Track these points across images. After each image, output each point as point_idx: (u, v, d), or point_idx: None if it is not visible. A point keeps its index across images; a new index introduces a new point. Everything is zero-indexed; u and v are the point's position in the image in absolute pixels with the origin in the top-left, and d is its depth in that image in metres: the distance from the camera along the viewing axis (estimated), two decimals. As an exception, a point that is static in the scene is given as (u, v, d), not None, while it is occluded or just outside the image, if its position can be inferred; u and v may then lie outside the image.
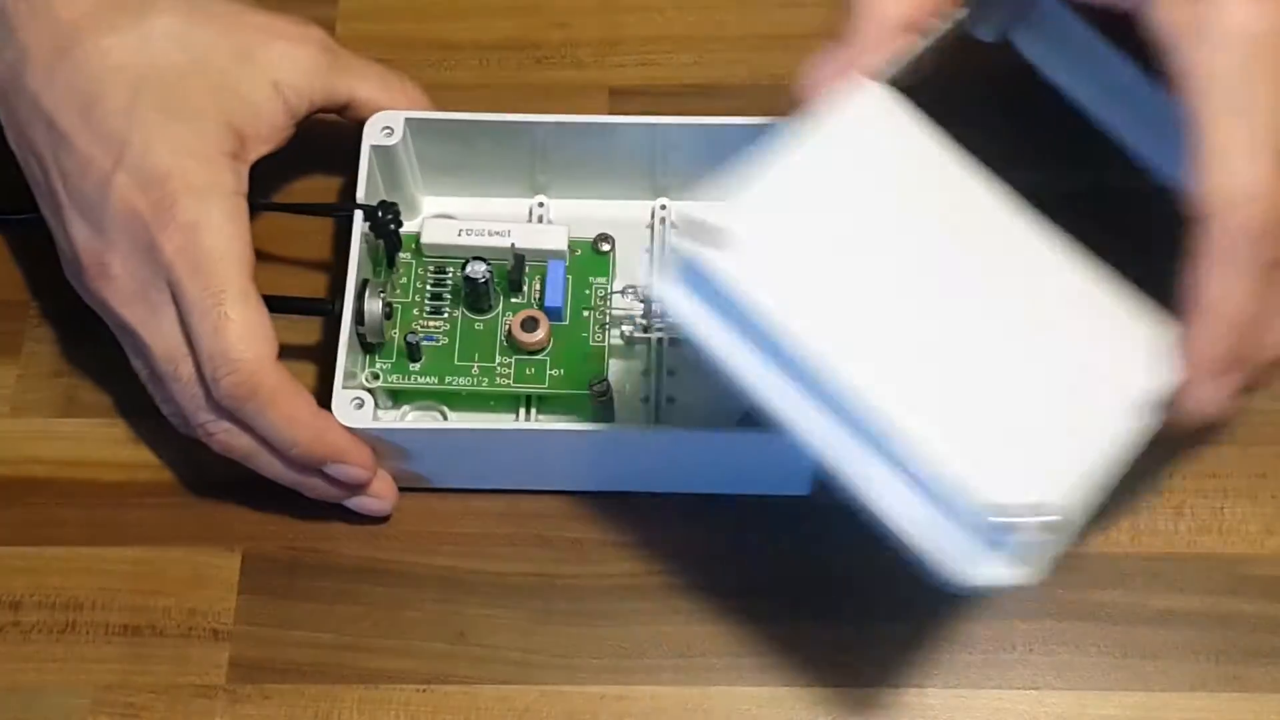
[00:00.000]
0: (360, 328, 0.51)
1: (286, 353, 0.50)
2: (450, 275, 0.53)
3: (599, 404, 0.52)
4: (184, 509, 0.53)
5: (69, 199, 0.49)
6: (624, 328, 0.53)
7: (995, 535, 0.40)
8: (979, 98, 0.51)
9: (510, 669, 0.51)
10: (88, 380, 0.55)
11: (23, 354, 0.56)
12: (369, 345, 0.52)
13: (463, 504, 0.53)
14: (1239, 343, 0.43)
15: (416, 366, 0.52)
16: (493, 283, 0.52)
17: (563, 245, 0.53)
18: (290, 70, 0.51)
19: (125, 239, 0.49)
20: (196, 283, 0.48)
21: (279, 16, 0.52)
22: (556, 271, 0.53)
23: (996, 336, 0.43)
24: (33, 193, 0.52)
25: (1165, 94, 0.45)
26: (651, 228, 0.56)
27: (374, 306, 0.51)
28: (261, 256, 0.50)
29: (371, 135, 0.53)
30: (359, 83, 0.53)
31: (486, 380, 0.52)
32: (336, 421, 0.49)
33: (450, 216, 0.55)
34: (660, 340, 0.53)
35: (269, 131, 0.51)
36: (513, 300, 0.53)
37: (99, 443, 0.54)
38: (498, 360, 0.52)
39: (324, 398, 0.50)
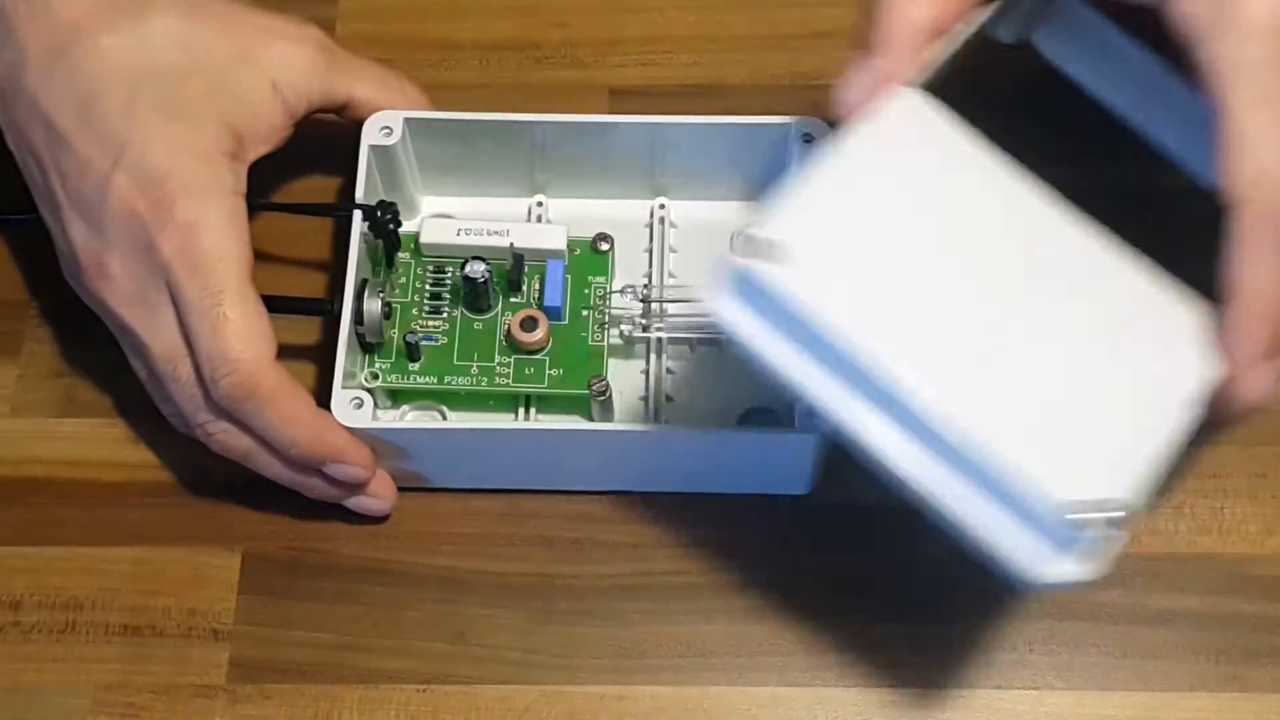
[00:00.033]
0: (359, 327, 0.51)
1: (285, 353, 0.50)
2: (449, 275, 0.53)
3: (598, 403, 0.52)
4: (184, 509, 0.54)
5: (67, 199, 0.49)
6: (623, 327, 0.53)
7: (1066, 533, 0.41)
8: (996, 99, 0.51)
9: (510, 669, 0.51)
10: (88, 380, 0.55)
11: (23, 354, 0.56)
12: (368, 345, 0.52)
13: (463, 504, 0.53)
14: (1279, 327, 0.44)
15: (416, 366, 0.52)
16: (492, 282, 0.52)
17: (562, 245, 0.53)
18: (289, 70, 0.51)
19: (124, 239, 0.49)
20: (195, 283, 0.48)
21: (278, 16, 0.52)
22: (555, 271, 0.53)
23: (1050, 334, 0.44)
24: (31, 193, 0.52)
25: (1189, 87, 0.45)
26: (650, 227, 0.56)
27: (373, 306, 0.51)
28: (260, 256, 0.50)
29: (370, 135, 0.53)
30: (358, 83, 0.53)
31: (486, 380, 0.52)
32: (335, 421, 0.49)
33: (449, 216, 0.55)
34: (659, 339, 0.53)
35: (267, 132, 0.51)
36: (512, 300, 0.53)
37: (99, 443, 0.55)
38: (497, 360, 0.52)
39: (323, 398, 0.50)
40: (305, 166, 0.58)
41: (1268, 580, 0.52)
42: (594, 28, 0.62)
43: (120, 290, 0.49)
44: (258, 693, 0.51)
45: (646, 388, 0.53)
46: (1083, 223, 0.46)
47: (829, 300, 0.42)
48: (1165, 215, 0.49)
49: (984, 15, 0.49)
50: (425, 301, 0.53)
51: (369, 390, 0.50)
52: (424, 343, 0.52)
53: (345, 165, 0.54)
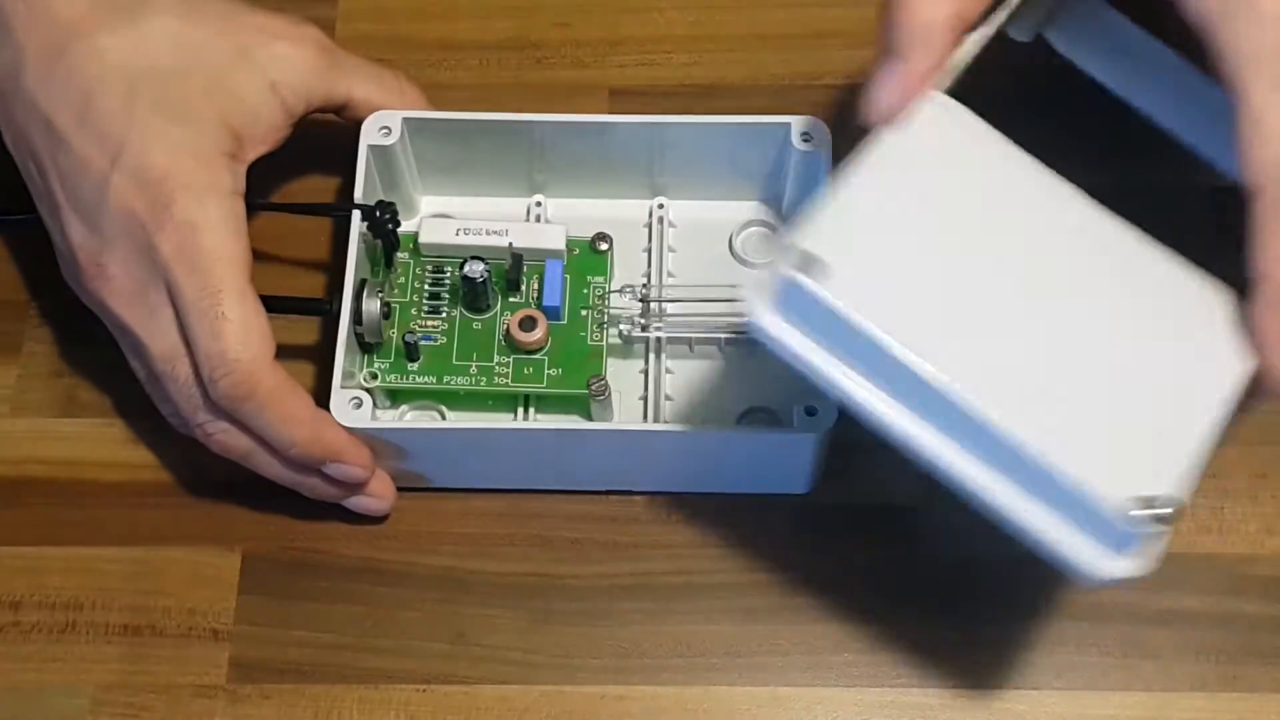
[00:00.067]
0: (358, 327, 0.51)
1: (284, 353, 0.50)
2: (448, 275, 0.53)
3: (597, 403, 0.52)
4: (184, 509, 0.54)
5: (66, 200, 0.49)
6: (622, 327, 0.53)
7: (1124, 533, 0.41)
8: (1002, 97, 0.51)
9: (510, 669, 0.51)
10: (88, 380, 0.55)
11: (23, 354, 0.56)
12: (367, 345, 0.52)
13: (462, 504, 0.53)
14: None
15: (415, 366, 0.52)
16: (491, 282, 0.52)
17: (560, 244, 0.53)
18: (287, 70, 0.51)
19: (123, 239, 0.49)
20: (194, 283, 0.48)
21: (276, 17, 0.52)
22: (554, 271, 0.53)
23: (1090, 332, 0.44)
24: (30, 194, 0.52)
25: (1205, 78, 0.45)
26: (649, 227, 0.56)
27: (372, 306, 0.51)
28: (259, 256, 0.50)
29: (369, 135, 0.53)
30: (356, 83, 0.53)
31: (485, 380, 0.52)
32: (334, 421, 0.49)
33: (448, 216, 0.55)
34: (658, 339, 0.53)
35: (266, 132, 0.51)
36: (511, 299, 0.53)
37: (99, 443, 0.55)
38: (496, 360, 0.52)
39: (322, 397, 0.50)
40: (304, 166, 0.58)
41: (1268, 580, 0.52)
42: (594, 28, 0.62)
43: (119, 290, 0.49)
44: (258, 693, 0.51)
45: (645, 387, 0.53)
46: (1114, 220, 0.46)
47: (874, 310, 0.42)
48: (1167, 214, 0.49)
49: (1002, 16, 0.49)
50: (424, 301, 0.53)
51: (368, 390, 0.51)
52: (423, 342, 0.52)
53: (344, 165, 0.54)
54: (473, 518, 0.53)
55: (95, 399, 0.55)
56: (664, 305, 0.53)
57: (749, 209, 0.56)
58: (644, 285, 0.53)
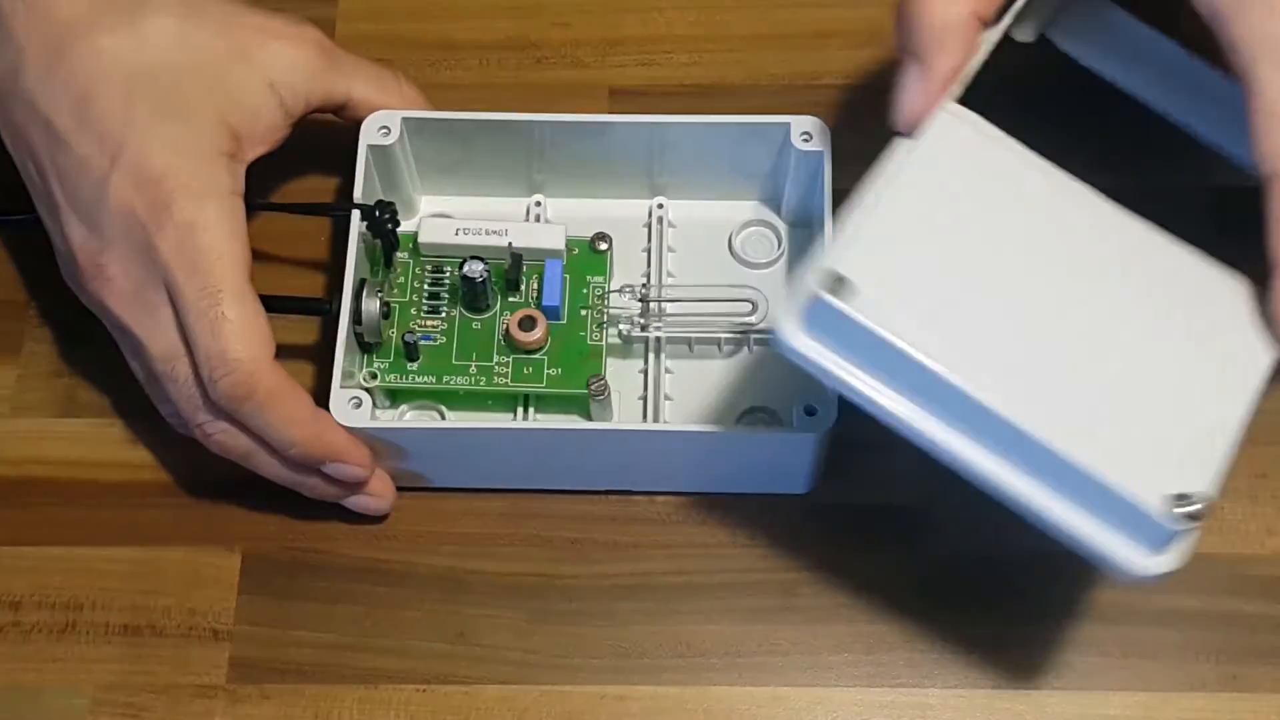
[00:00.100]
0: (358, 327, 0.51)
1: (284, 352, 0.50)
2: (448, 274, 0.53)
3: (597, 403, 0.52)
4: (184, 509, 0.54)
5: (66, 200, 0.49)
6: (621, 326, 0.53)
7: (1162, 531, 0.42)
8: (1006, 99, 0.52)
9: (510, 669, 0.51)
10: (88, 380, 0.55)
11: (23, 354, 0.56)
12: (366, 345, 0.52)
13: (462, 504, 0.53)
14: None
15: (414, 366, 0.52)
16: (490, 282, 0.52)
17: (560, 244, 0.53)
18: (287, 70, 0.51)
19: (122, 239, 0.49)
20: (193, 282, 0.48)
21: (275, 16, 0.52)
22: (554, 270, 0.53)
23: (1118, 333, 0.45)
24: (30, 194, 0.52)
25: (1216, 70, 0.46)
26: (649, 227, 0.56)
27: (371, 306, 0.51)
28: (259, 256, 0.50)
29: (368, 135, 0.53)
30: (356, 83, 0.53)
31: (484, 379, 0.52)
32: (334, 421, 0.49)
33: (448, 216, 0.55)
34: (658, 339, 0.53)
35: (265, 132, 0.51)
36: (510, 299, 0.53)
37: (99, 443, 0.55)
38: (495, 359, 0.52)
39: (321, 397, 0.50)
40: (303, 166, 0.58)
41: (1268, 580, 0.52)
42: (594, 28, 0.62)
43: (118, 290, 0.49)
44: (258, 693, 0.51)
45: (645, 387, 0.53)
46: (1134, 219, 0.47)
47: (904, 327, 0.43)
48: (1167, 214, 0.49)
49: (1009, 19, 0.49)
50: (424, 301, 0.53)
51: (367, 390, 0.51)
52: (422, 342, 0.52)
53: (343, 165, 0.54)
54: (473, 518, 0.53)
55: (95, 399, 0.55)
56: (664, 305, 0.53)
57: (749, 209, 0.56)
58: (643, 285, 0.53)
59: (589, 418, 0.53)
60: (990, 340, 0.44)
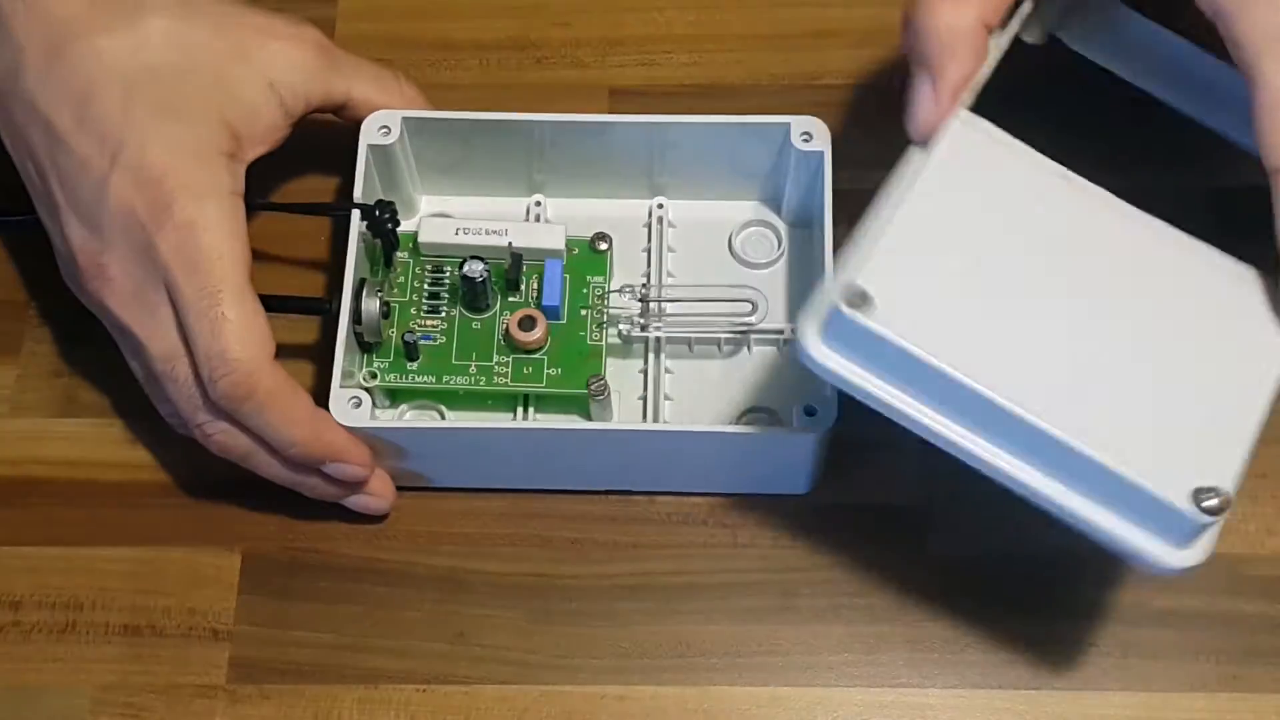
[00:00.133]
0: (358, 327, 0.51)
1: (284, 352, 0.50)
2: (448, 274, 0.53)
3: (596, 403, 0.52)
4: (183, 509, 0.54)
5: (66, 200, 0.49)
6: (621, 326, 0.53)
7: (1188, 527, 0.42)
8: (1006, 101, 0.52)
9: (510, 669, 0.51)
10: (88, 380, 0.55)
11: (23, 354, 0.56)
12: (366, 344, 0.52)
13: (463, 504, 0.53)
14: None
15: (414, 366, 0.52)
16: (490, 282, 0.52)
17: (560, 244, 0.53)
18: (286, 70, 0.51)
19: (122, 239, 0.49)
20: (193, 282, 0.48)
21: (275, 16, 0.52)
22: (554, 270, 0.53)
23: (1139, 334, 0.45)
24: (30, 194, 0.52)
25: (1223, 64, 0.46)
26: (649, 226, 0.56)
27: (371, 306, 0.51)
28: (259, 256, 0.50)
29: (368, 135, 0.53)
30: (355, 82, 0.53)
31: (484, 379, 0.52)
32: (334, 421, 0.49)
33: (447, 215, 0.55)
34: (658, 339, 0.53)
35: (265, 131, 0.51)
36: (510, 299, 0.53)
37: (99, 443, 0.55)
38: (495, 359, 0.52)
39: (321, 397, 0.50)
40: (303, 166, 0.58)
41: (1268, 580, 0.52)
42: (594, 28, 0.62)
43: (118, 290, 0.49)
44: (258, 693, 0.51)
45: (645, 387, 0.53)
46: (1149, 219, 0.47)
47: (926, 336, 0.43)
48: (1167, 214, 0.49)
49: (1016, 24, 0.50)
50: (423, 301, 0.53)
51: (367, 390, 0.51)
52: (422, 342, 0.52)
53: (343, 165, 0.54)
54: (473, 518, 0.53)
55: (95, 399, 0.55)
56: (663, 305, 0.53)
57: (749, 209, 0.56)
58: (643, 285, 0.53)
59: (589, 418, 0.53)
60: (1011, 345, 0.44)
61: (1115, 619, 0.51)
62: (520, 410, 0.53)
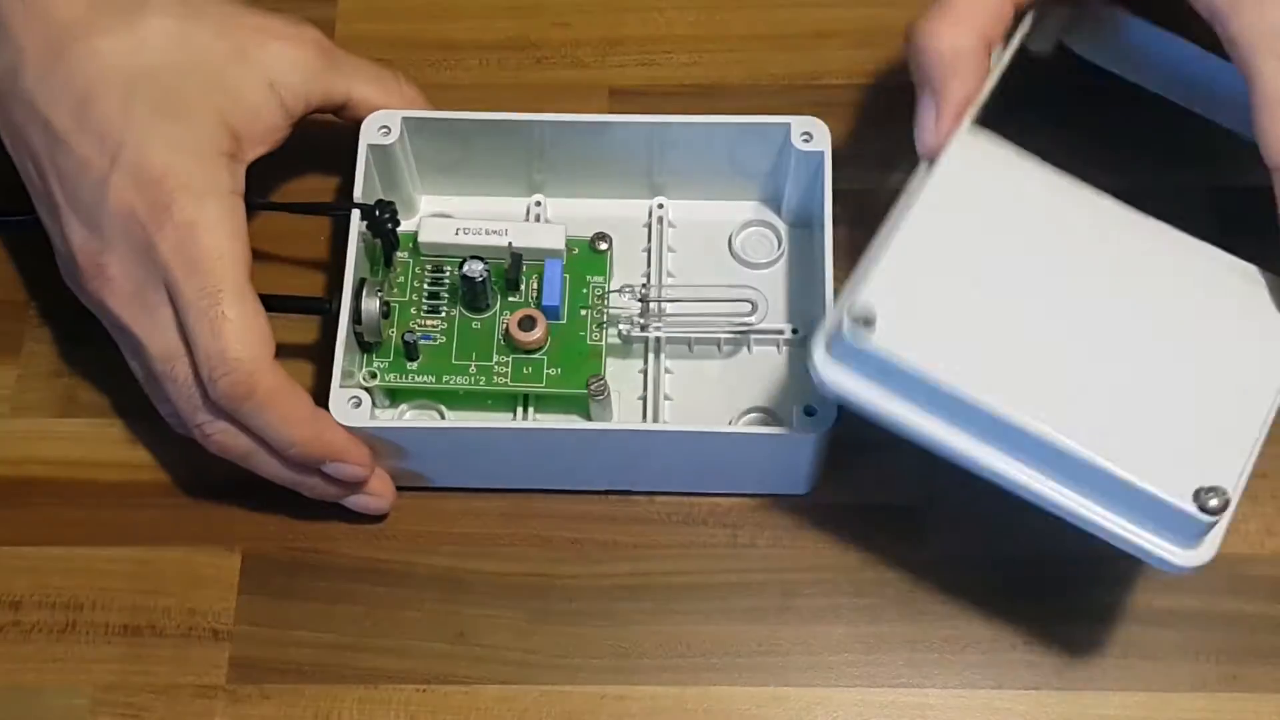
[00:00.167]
0: (357, 327, 0.51)
1: (284, 352, 0.50)
2: (448, 274, 0.53)
3: (596, 403, 0.51)
4: (183, 509, 0.54)
5: (66, 201, 0.49)
6: (621, 326, 0.53)
7: (1194, 528, 0.43)
8: (1007, 103, 0.52)
9: (510, 669, 0.51)
10: (88, 380, 0.55)
11: (23, 354, 0.56)
12: (366, 344, 0.52)
13: (462, 504, 0.53)
14: None
15: (414, 365, 0.52)
16: (490, 282, 0.52)
17: (560, 244, 0.53)
18: (286, 70, 0.51)
19: (122, 239, 0.49)
20: (193, 282, 0.48)
21: (274, 16, 0.52)
22: (554, 270, 0.53)
23: (1147, 341, 0.46)
24: (30, 195, 0.52)
25: (1225, 63, 0.47)
26: (649, 226, 0.56)
27: (371, 305, 0.51)
28: (259, 256, 0.50)
29: (368, 134, 0.53)
30: (355, 82, 0.53)
31: (484, 379, 0.52)
32: (334, 421, 0.49)
33: (448, 215, 0.55)
34: (658, 339, 0.53)
35: (265, 132, 0.51)
36: (510, 299, 0.53)
37: (99, 443, 0.55)
38: (495, 359, 0.52)
39: (321, 397, 0.50)
40: (303, 166, 0.58)
41: (1268, 580, 0.52)
42: (594, 28, 0.62)
43: (118, 290, 0.49)
44: (258, 693, 0.51)
45: (645, 387, 0.53)
46: (1154, 223, 0.48)
47: (932, 354, 0.44)
48: (1167, 214, 0.49)
49: (1018, 38, 0.50)
50: (423, 301, 0.53)
51: (367, 389, 0.50)
52: (422, 342, 0.52)
53: (343, 165, 0.54)
54: (473, 518, 0.53)
55: (95, 399, 0.55)
56: (663, 305, 0.53)
57: (749, 209, 0.56)
58: (643, 285, 0.53)
59: (589, 418, 0.53)
60: (1016, 356, 0.45)
61: (1115, 619, 0.51)
62: (520, 410, 0.53)
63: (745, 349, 0.54)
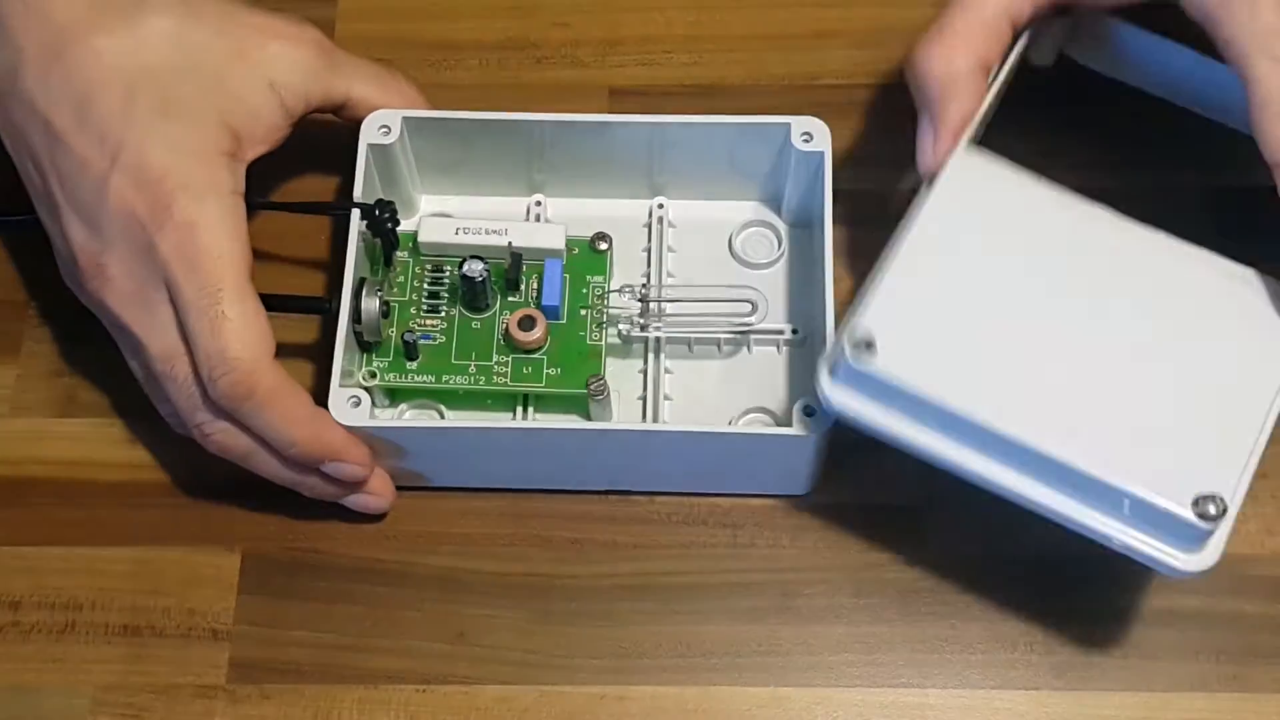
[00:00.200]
0: (357, 326, 0.51)
1: (283, 351, 0.50)
2: (447, 274, 0.53)
3: (596, 403, 0.51)
4: (183, 509, 0.54)
5: (66, 201, 0.49)
6: (621, 326, 0.53)
7: (1196, 533, 0.44)
8: (1007, 105, 0.52)
9: (510, 669, 0.51)
10: (88, 380, 0.55)
11: (23, 354, 0.56)
12: (366, 344, 0.52)
13: (463, 504, 0.53)
14: None
15: (413, 365, 0.52)
16: (490, 281, 0.52)
17: (560, 244, 0.53)
18: (286, 70, 0.51)
19: (122, 239, 0.49)
20: (193, 281, 0.48)
21: (274, 16, 0.52)
22: (554, 270, 0.53)
23: (1146, 351, 0.47)
24: (29, 195, 0.52)
25: (1222, 65, 0.47)
26: (649, 226, 0.56)
27: (371, 305, 0.51)
28: (259, 255, 0.50)
29: (369, 134, 0.53)
30: (355, 82, 0.53)
31: (483, 379, 0.52)
32: (333, 420, 0.49)
33: (447, 215, 0.55)
34: (658, 339, 0.53)
35: (265, 131, 0.51)
36: (510, 299, 0.53)
37: (99, 443, 0.55)
38: (495, 359, 0.52)
39: (321, 396, 0.50)
40: (303, 165, 0.58)
41: (1268, 580, 0.52)
42: (594, 28, 0.61)
43: (118, 290, 0.49)
44: (257, 693, 0.51)
45: (644, 387, 0.53)
46: (1150, 232, 0.48)
47: (933, 376, 0.45)
48: (1167, 214, 0.49)
49: (1014, 56, 0.51)
50: (423, 300, 0.53)
51: (367, 389, 0.50)
52: (422, 341, 0.52)
53: (343, 164, 0.54)
54: (473, 518, 0.53)
55: (95, 399, 0.55)
56: (663, 305, 0.53)
57: (749, 209, 0.56)
58: (643, 285, 0.53)
59: (588, 418, 0.53)
60: (1015, 373, 0.46)
61: (1115, 619, 0.51)
62: (520, 410, 0.53)
63: (745, 349, 0.54)
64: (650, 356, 0.53)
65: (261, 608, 0.52)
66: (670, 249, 0.56)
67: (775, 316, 0.54)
